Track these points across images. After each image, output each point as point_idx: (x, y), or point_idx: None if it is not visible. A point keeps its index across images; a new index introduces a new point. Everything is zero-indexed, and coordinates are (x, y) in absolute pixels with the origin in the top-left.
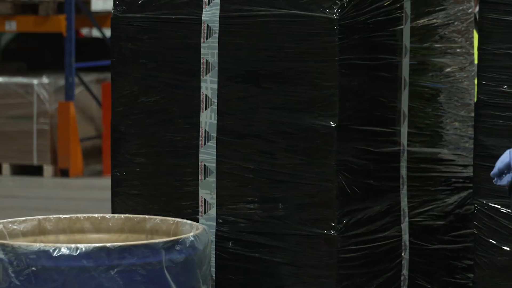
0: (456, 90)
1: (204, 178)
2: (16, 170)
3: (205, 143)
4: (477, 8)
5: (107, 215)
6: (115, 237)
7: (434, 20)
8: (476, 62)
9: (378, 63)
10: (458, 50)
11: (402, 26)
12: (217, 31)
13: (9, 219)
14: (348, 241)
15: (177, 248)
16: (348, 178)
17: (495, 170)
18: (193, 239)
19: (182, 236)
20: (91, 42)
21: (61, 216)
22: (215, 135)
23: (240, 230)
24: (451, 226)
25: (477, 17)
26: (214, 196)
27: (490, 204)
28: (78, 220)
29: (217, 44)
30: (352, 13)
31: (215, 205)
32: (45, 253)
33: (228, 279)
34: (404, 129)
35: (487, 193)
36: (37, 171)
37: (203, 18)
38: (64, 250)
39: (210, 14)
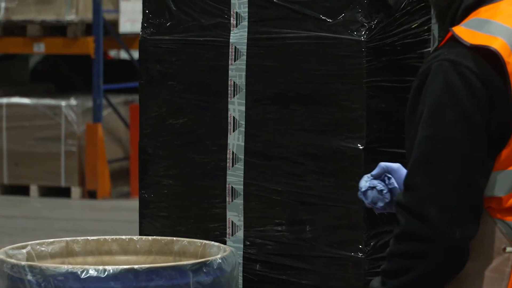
0: None
1: (232, 200)
2: (44, 191)
3: (232, 165)
4: None
5: (135, 237)
6: (143, 259)
7: None
8: None
9: (406, 85)
10: None
11: (429, 49)
12: (245, 53)
13: (37, 241)
14: (376, 264)
15: (204, 270)
16: None
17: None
18: (220, 261)
19: (210, 258)
20: (119, 64)
21: (89, 238)
22: (243, 157)
23: (268, 252)
24: None
25: None
26: (242, 218)
27: None
28: (106, 242)
29: (245, 66)
30: (379, 35)
31: (242, 227)
32: (73, 275)
33: None
34: None
35: None
36: (65, 192)
37: (231, 40)
38: (92, 272)
39: (238, 36)
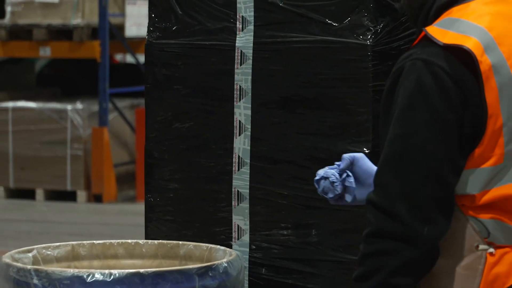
0: None
1: (238, 204)
2: (50, 195)
3: (238, 169)
4: None
5: (141, 241)
6: (149, 263)
7: None
8: None
9: None
10: None
11: None
12: (251, 57)
13: (43, 245)
14: None
15: (210, 274)
16: None
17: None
18: (226, 265)
19: (216, 262)
20: (125, 68)
21: (94, 241)
22: (249, 161)
23: (273, 256)
24: None
25: None
26: (248, 222)
27: None
28: (111, 246)
29: (250, 70)
30: (385, 39)
31: (248, 231)
32: (79, 279)
33: None
34: None
35: None
36: (70, 196)
37: (237, 44)
38: (98, 276)
39: (244, 40)
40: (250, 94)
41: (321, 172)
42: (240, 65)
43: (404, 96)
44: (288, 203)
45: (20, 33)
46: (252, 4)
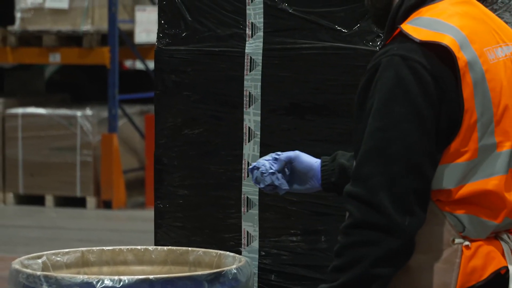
0: None
1: (247, 211)
2: (59, 201)
3: (248, 175)
4: None
5: (150, 247)
6: (158, 269)
7: None
8: None
9: None
10: None
11: None
12: (260, 64)
13: (53, 251)
14: None
15: (219, 280)
16: None
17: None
18: (235, 271)
19: (225, 269)
20: (135, 74)
21: (104, 248)
22: None
23: (283, 263)
24: None
25: None
26: (257, 229)
27: None
28: (121, 252)
29: (260, 77)
30: None
31: (257, 238)
32: (89, 285)
33: None
34: None
35: None
36: (80, 202)
37: (246, 50)
38: (107, 282)
39: (254, 46)
40: (259, 100)
41: (255, 162)
42: (250, 71)
43: (383, 91)
44: (297, 209)
45: (30, 39)
46: (262, 10)
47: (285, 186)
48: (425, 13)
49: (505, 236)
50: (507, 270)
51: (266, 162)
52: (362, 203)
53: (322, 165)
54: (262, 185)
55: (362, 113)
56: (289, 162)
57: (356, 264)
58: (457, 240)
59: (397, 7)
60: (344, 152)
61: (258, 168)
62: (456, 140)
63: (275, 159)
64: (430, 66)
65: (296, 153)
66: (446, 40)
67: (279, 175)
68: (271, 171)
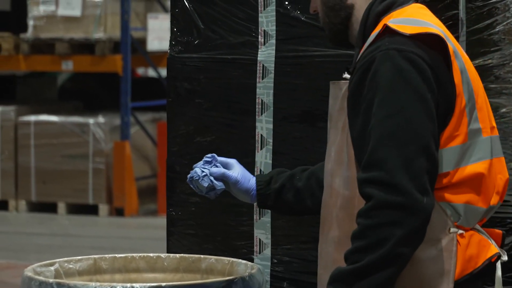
0: (511, 130)
1: (259, 218)
2: (72, 209)
3: None
4: None
5: (162, 255)
6: (170, 277)
7: (490, 61)
8: None
9: None
10: None
11: None
12: (273, 71)
13: (65, 258)
14: None
15: None
16: None
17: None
18: (248, 279)
19: (237, 276)
20: (147, 82)
21: (116, 255)
22: None
23: (295, 270)
24: (506, 267)
25: None
26: (269, 236)
27: None
28: (133, 260)
29: (272, 84)
30: None
31: (270, 245)
32: None
33: None
34: None
35: None
36: (92, 210)
37: (258, 58)
38: None
39: (266, 54)
40: (271, 108)
41: (191, 172)
42: (262, 79)
43: (383, 82)
44: (309, 217)
45: (42, 47)
46: (274, 18)
47: (221, 186)
48: (397, 16)
49: (478, 227)
50: (498, 257)
51: (197, 169)
52: (382, 185)
53: (258, 189)
54: (204, 192)
55: (357, 109)
56: (226, 178)
57: (381, 244)
58: (452, 230)
59: (365, 15)
60: (282, 170)
61: (192, 177)
62: (450, 124)
63: (206, 161)
64: (424, 55)
65: (232, 163)
66: (434, 31)
67: (212, 177)
68: (203, 174)
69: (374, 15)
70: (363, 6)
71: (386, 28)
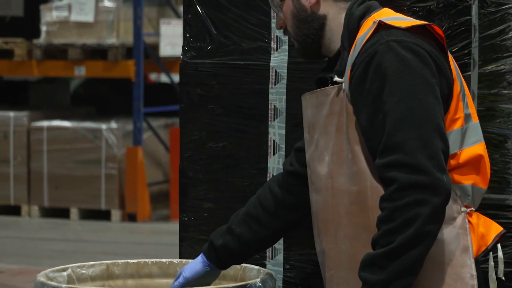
0: None
1: None
2: (84, 214)
3: None
4: None
5: (175, 260)
6: None
7: (502, 66)
8: None
9: None
10: None
11: (470, 73)
12: (285, 77)
13: (78, 264)
14: None
15: None
16: None
17: None
18: (260, 284)
19: (249, 282)
20: (159, 87)
21: (129, 260)
22: None
23: (307, 276)
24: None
25: None
26: (282, 242)
27: None
28: (146, 265)
29: (285, 90)
30: None
31: (282, 251)
32: None
33: None
34: None
35: None
36: (105, 215)
37: (271, 64)
38: None
39: (279, 60)
40: (284, 113)
41: None
42: (275, 84)
43: (389, 72)
44: None
45: (55, 52)
46: None
47: None
48: (379, 17)
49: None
50: (501, 236)
51: None
52: (404, 167)
53: (207, 258)
54: None
55: (362, 102)
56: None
57: (410, 224)
58: (462, 209)
59: (346, 20)
60: (219, 229)
61: None
62: (451, 107)
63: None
64: (422, 44)
65: (184, 275)
66: (425, 22)
67: None
68: None
69: (355, 19)
70: (336, 15)
71: (380, 24)
